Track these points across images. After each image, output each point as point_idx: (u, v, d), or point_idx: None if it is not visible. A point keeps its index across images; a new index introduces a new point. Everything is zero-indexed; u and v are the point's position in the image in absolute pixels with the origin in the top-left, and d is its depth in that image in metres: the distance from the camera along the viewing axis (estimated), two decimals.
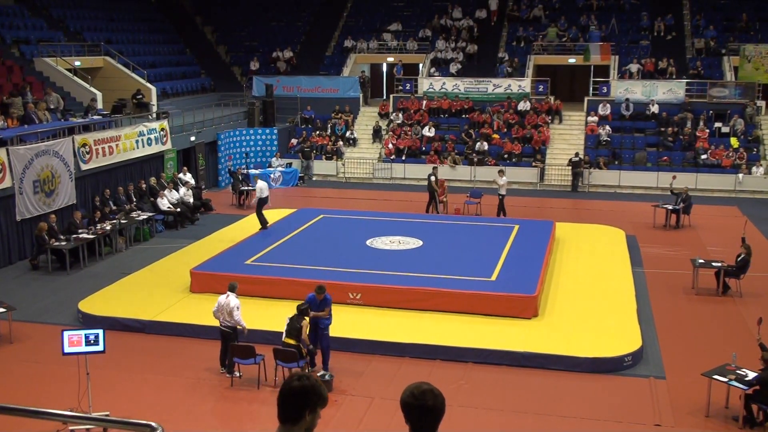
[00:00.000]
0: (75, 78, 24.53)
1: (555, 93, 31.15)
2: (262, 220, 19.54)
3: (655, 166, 26.76)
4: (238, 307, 11.74)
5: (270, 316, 13.59)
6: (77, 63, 25.35)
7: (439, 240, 18.07)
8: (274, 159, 28.16)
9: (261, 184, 19.98)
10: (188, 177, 23.67)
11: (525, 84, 30.37)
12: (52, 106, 21.60)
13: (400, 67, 32.90)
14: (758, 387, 10.13)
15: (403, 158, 28.47)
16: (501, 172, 22.80)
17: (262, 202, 19.73)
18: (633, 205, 23.98)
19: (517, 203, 24.00)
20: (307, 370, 11.29)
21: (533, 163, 27.39)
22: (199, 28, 37.22)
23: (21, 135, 18.69)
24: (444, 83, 31.15)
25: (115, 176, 21.63)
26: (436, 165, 24.70)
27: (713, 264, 15.93)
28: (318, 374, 11.39)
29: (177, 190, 22.17)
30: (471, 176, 27.10)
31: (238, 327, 11.77)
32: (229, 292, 11.85)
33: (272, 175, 27.02)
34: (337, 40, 35.53)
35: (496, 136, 28.66)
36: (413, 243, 17.67)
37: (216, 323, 12.07)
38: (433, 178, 22.46)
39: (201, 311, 13.85)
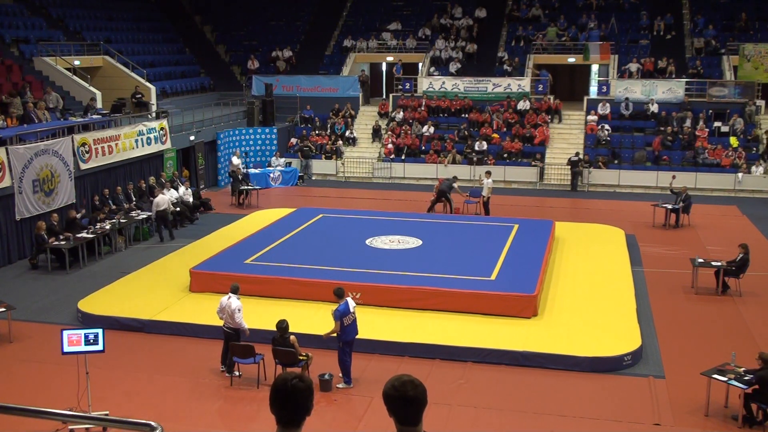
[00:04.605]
0: (74, 77, 24.53)
1: (554, 92, 31.16)
2: (162, 234, 19.77)
3: (654, 166, 26.77)
4: (239, 310, 11.69)
5: (269, 315, 13.58)
6: (76, 62, 25.34)
7: (438, 239, 18.06)
8: (273, 158, 28.17)
9: (158, 199, 19.88)
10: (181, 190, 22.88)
11: (524, 83, 30.37)
12: (51, 106, 21.60)
13: (400, 66, 32.89)
14: (757, 386, 10.14)
15: (403, 158, 28.47)
16: (488, 174, 22.65)
17: (160, 215, 19.74)
18: (632, 204, 23.97)
19: (517, 202, 24.02)
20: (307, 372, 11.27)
21: (533, 163, 27.39)
22: (198, 27, 37.22)
23: (20, 134, 18.70)
24: (443, 82, 31.13)
25: (115, 175, 21.63)
26: (456, 176, 23.87)
27: (713, 263, 15.94)
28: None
29: (176, 189, 22.15)
30: (471, 176, 27.09)
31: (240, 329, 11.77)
32: (230, 294, 11.81)
33: (272, 175, 27.04)
34: (337, 40, 35.52)
35: (495, 135, 28.67)
36: (413, 242, 17.67)
37: (218, 323, 12.08)
38: (455, 185, 22.39)
39: (200, 311, 13.88)
